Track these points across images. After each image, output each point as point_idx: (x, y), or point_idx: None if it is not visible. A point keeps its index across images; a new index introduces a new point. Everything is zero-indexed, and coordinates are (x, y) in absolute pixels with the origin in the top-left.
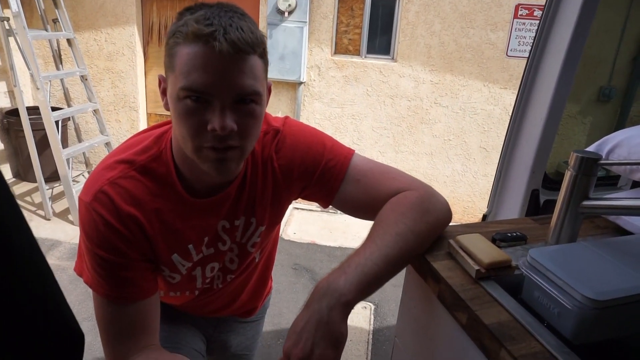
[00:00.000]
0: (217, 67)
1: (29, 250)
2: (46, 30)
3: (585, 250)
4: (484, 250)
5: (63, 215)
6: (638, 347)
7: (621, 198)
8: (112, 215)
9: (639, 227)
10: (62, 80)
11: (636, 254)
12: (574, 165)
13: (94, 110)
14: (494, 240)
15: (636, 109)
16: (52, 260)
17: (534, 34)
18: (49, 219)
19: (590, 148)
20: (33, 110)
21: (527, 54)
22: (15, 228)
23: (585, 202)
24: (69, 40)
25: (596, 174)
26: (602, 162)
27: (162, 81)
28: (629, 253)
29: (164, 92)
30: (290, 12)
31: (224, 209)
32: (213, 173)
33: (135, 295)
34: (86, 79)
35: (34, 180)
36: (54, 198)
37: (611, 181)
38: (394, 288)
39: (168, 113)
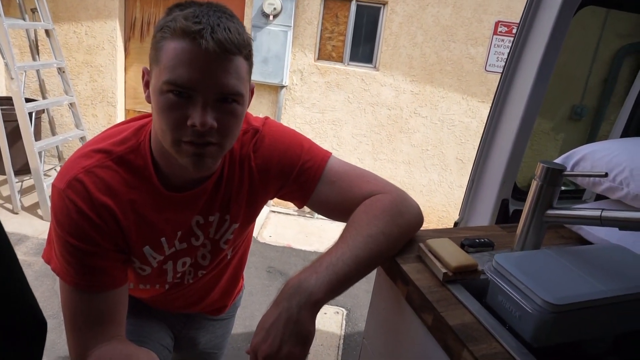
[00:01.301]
0: (202, 64)
1: None
2: (24, 19)
3: (548, 257)
4: (452, 255)
5: (32, 209)
6: (593, 351)
7: (582, 208)
8: (86, 203)
9: (599, 238)
10: (38, 71)
11: (594, 263)
12: (540, 175)
13: (70, 104)
14: (462, 246)
15: (605, 128)
16: (18, 255)
17: None
18: (17, 213)
19: (558, 160)
20: (6, 101)
21: None
22: None
23: (550, 212)
24: (47, 31)
25: (560, 185)
26: (566, 173)
27: (145, 73)
28: (588, 261)
29: (146, 85)
30: (275, 16)
31: (199, 204)
32: (190, 167)
33: (104, 285)
34: (63, 72)
35: (3, 173)
36: (24, 191)
37: (577, 195)
38: (367, 294)
39: (147, 110)
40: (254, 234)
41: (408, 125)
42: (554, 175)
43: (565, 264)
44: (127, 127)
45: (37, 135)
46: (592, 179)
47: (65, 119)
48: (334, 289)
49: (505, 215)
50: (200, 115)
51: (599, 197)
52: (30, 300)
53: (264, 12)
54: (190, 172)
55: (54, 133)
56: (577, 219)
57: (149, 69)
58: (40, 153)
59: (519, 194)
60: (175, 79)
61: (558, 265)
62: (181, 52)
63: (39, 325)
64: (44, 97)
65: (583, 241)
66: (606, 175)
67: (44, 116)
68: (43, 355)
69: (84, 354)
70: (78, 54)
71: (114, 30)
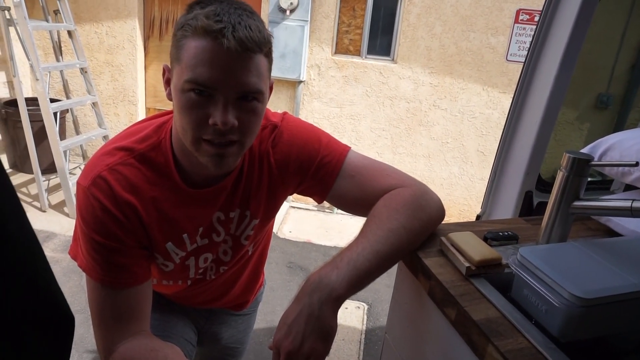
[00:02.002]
0: (224, 63)
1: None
2: (47, 21)
3: (575, 250)
4: (475, 248)
5: (59, 207)
6: (622, 346)
7: (611, 199)
8: (110, 200)
9: (629, 229)
10: (61, 72)
11: (624, 255)
12: (566, 166)
13: (93, 103)
14: (485, 239)
15: (633, 116)
16: (46, 252)
17: None
18: (44, 211)
19: (584, 150)
20: (32, 102)
21: None
22: (9, 210)
23: (576, 203)
24: (69, 32)
25: (587, 175)
26: (593, 163)
27: (166, 71)
28: (617, 254)
29: (167, 82)
30: (292, 11)
31: (220, 200)
32: (211, 167)
33: (128, 281)
34: (86, 72)
35: (30, 172)
36: (50, 190)
37: (604, 185)
38: (388, 288)
39: (166, 108)
40: (274, 229)
41: (427, 118)
42: (581, 165)
43: (593, 256)
44: (148, 125)
45: (62, 135)
46: (621, 168)
47: (88, 118)
48: (355, 284)
49: (529, 208)
50: (222, 114)
51: (628, 188)
52: (58, 295)
53: (281, 7)
54: (210, 170)
55: (77, 132)
56: (606, 210)
57: (169, 66)
58: (65, 152)
59: (544, 185)
60: (197, 77)
61: (586, 258)
62: (202, 51)
63: (67, 320)
64: (67, 97)
65: (612, 233)
66: (637, 164)
67: (68, 116)
68: (72, 349)
69: (110, 348)
70: (99, 54)
71: (134, 29)
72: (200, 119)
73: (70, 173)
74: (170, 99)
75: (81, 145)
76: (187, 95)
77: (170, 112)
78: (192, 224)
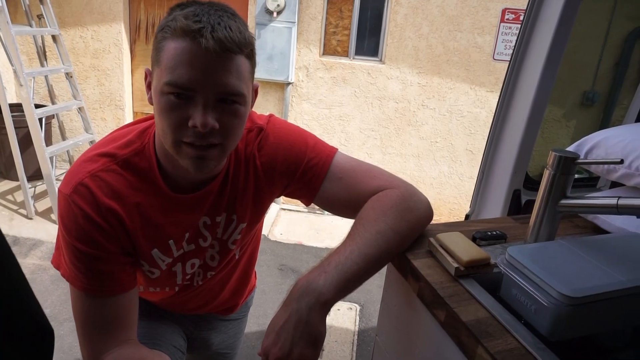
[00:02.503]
0: (202, 63)
1: None
2: (30, 25)
3: (563, 248)
4: (464, 249)
5: (46, 214)
6: (611, 344)
7: (597, 197)
8: (92, 208)
9: (616, 227)
10: (46, 77)
11: (612, 253)
12: (552, 164)
13: (79, 108)
14: (474, 239)
15: (618, 112)
16: (33, 260)
17: None
18: (31, 218)
19: (570, 148)
20: (16, 107)
21: None
22: None
23: (563, 201)
24: (54, 37)
25: (574, 173)
26: (579, 161)
27: (147, 75)
28: (604, 251)
29: (149, 86)
30: (279, 12)
31: (206, 205)
32: (192, 169)
33: (113, 289)
34: (71, 77)
35: (16, 179)
36: (37, 197)
37: (591, 182)
38: (380, 289)
39: (151, 110)
40: (265, 232)
41: (416, 118)
42: (567, 163)
43: (581, 254)
44: (131, 130)
45: (48, 141)
46: (606, 166)
47: (74, 123)
48: (343, 288)
49: (517, 206)
50: (201, 115)
51: (614, 185)
52: (34, 307)
53: (268, 9)
54: (192, 174)
55: (64, 138)
56: (593, 208)
57: (150, 69)
58: (51, 158)
59: (531, 183)
60: (176, 80)
61: (574, 256)
62: (181, 52)
63: (45, 333)
64: (53, 103)
65: (599, 230)
66: (622, 161)
67: (54, 121)
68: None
69: (97, 359)
70: (85, 59)
71: (119, 33)
72: (179, 122)
73: (57, 179)
74: (152, 103)
75: (68, 151)
76: (167, 97)
77: (153, 117)
78: (178, 229)
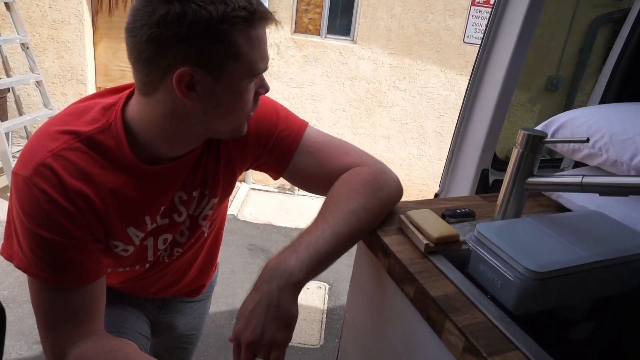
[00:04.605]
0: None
1: None
2: None
3: (529, 225)
4: (434, 225)
5: (2, 193)
6: (571, 317)
7: (563, 175)
8: (57, 191)
9: (578, 205)
10: None
11: (574, 229)
12: (521, 143)
13: (37, 82)
14: (443, 216)
15: (580, 98)
16: None
17: None
18: None
19: (538, 128)
20: None
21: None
22: None
23: (530, 179)
24: (7, 4)
25: (541, 152)
26: (547, 140)
27: (191, 74)
28: (568, 228)
29: (190, 87)
30: None
31: (181, 178)
32: (243, 132)
33: (80, 279)
34: (27, 48)
35: None
36: None
37: (554, 163)
38: (349, 268)
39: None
40: (235, 212)
41: (387, 99)
42: (535, 142)
43: (546, 231)
44: (91, 105)
45: (4, 116)
46: (571, 145)
47: (32, 98)
48: (315, 268)
49: (485, 185)
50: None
51: (577, 165)
52: None
53: None
54: (241, 133)
55: (20, 113)
56: (559, 185)
57: (194, 68)
58: (7, 134)
59: (499, 164)
60: (265, 64)
61: (539, 233)
62: (257, 37)
63: None
64: (8, 76)
65: (562, 209)
66: (587, 140)
67: (10, 95)
68: (17, 340)
69: (61, 354)
70: (42, 29)
71: (80, 3)
72: (252, 97)
73: (13, 157)
74: (191, 102)
75: (25, 127)
76: (250, 83)
77: (112, 91)
78: (154, 204)
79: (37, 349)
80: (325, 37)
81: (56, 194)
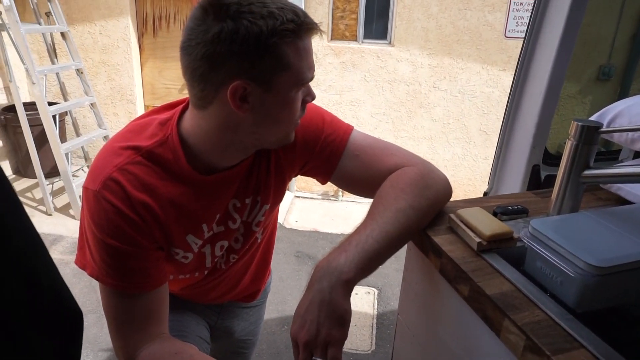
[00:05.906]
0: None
1: (19, 225)
2: (39, 23)
3: (587, 219)
4: (485, 223)
5: (64, 210)
6: (638, 314)
7: (622, 166)
8: (124, 202)
9: None
10: (57, 74)
11: (637, 222)
12: (574, 134)
13: (91, 104)
14: (495, 214)
15: (636, 86)
16: (55, 254)
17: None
18: (50, 214)
19: (592, 118)
20: (30, 106)
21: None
22: (6, 204)
23: (587, 172)
24: (62, 34)
25: (597, 143)
26: (602, 130)
27: (244, 87)
28: (630, 221)
29: (243, 99)
30: None
31: (234, 186)
32: (291, 140)
33: (145, 285)
34: (82, 73)
35: (34, 176)
36: (55, 193)
37: (612, 155)
38: (397, 272)
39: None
40: (280, 220)
41: (428, 100)
42: (590, 132)
43: (606, 225)
44: (149, 122)
45: (62, 138)
46: (630, 134)
47: (87, 119)
48: (364, 267)
49: (537, 182)
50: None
51: (637, 156)
52: (63, 289)
53: None
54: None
55: (78, 134)
56: (619, 177)
57: (247, 81)
58: (67, 154)
59: (550, 159)
60: (312, 73)
61: (599, 227)
62: (304, 48)
63: (75, 315)
64: (65, 100)
65: (623, 202)
66: None
67: (67, 118)
68: (85, 348)
69: (132, 355)
70: (94, 54)
71: (127, 27)
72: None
73: (73, 175)
74: (243, 113)
75: (82, 147)
76: (298, 94)
77: (167, 107)
78: (210, 212)
79: (102, 356)
80: (362, 42)
81: (122, 205)
